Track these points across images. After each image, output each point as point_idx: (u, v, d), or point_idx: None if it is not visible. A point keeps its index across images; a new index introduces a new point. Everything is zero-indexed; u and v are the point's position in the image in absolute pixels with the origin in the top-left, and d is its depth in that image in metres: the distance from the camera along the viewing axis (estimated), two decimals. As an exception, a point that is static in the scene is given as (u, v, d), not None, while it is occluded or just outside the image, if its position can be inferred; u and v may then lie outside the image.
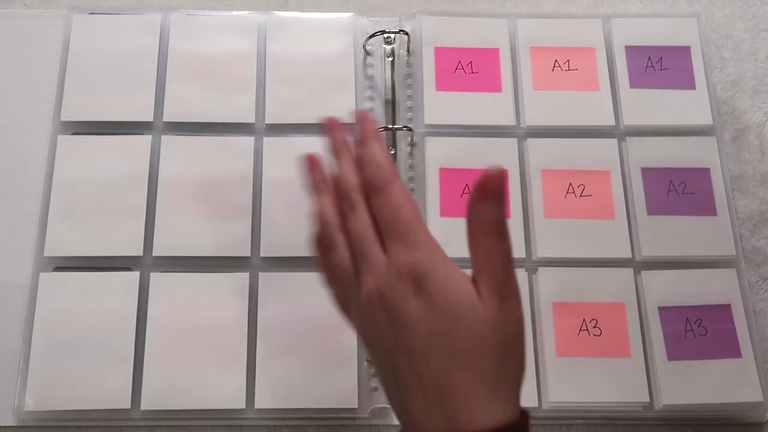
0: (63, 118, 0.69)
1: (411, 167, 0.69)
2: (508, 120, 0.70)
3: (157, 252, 0.65)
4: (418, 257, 0.42)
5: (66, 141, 0.68)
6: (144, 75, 0.70)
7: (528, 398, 0.62)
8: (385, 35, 0.73)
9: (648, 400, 0.62)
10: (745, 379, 0.62)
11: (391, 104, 0.72)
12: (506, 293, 0.41)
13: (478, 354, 0.40)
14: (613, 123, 0.71)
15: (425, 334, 0.41)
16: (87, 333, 0.62)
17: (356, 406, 0.61)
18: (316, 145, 0.68)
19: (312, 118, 0.69)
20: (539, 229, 0.67)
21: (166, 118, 0.69)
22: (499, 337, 0.40)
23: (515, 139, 0.70)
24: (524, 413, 0.41)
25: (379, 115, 0.71)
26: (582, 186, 0.68)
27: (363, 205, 0.46)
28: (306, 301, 0.64)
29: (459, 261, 0.65)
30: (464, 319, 0.40)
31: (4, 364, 0.62)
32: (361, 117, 0.49)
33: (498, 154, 0.69)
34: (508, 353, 0.40)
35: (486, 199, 0.40)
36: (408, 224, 0.43)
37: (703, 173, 0.69)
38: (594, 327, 0.64)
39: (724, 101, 0.74)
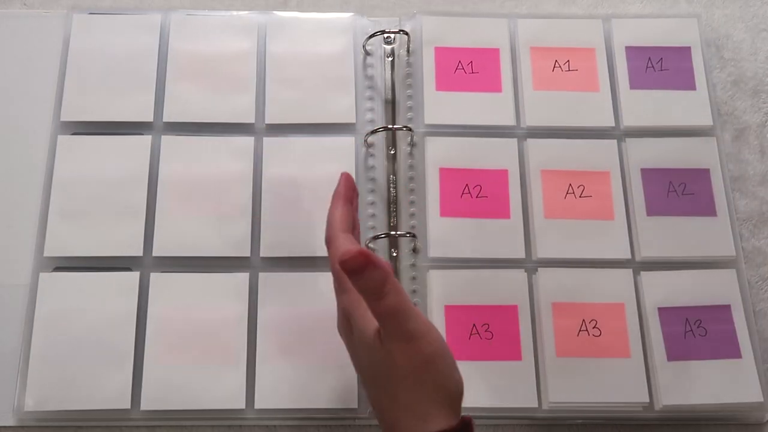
0: (63, 118, 0.69)
1: (411, 167, 0.69)
2: (508, 120, 0.70)
3: (157, 252, 0.65)
4: (346, 302, 0.51)
5: (66, 141, 0.68)
6: (144, 75, 0.70)
7: (527, 398, 0.62)
8: (385, 35, 0.73)
9: (648, 400, 0.62)
10: (745, 380, 0.62)
11: (391, 104, 0.72)
12: (406, 337, 0.47)
13: (388, 383, 0.48)
14: (613, 124, 0.71)
15: (364, 366, 0.51)
16: (87, 333, 0.62)
17: (356, 406, 0.62)
18: (316, 145, 0.69)
19: (312, 118, 0.70)
20: (539, 230, 0.67)
21: (166, 119, 0.69)
22: (403, 371, 0.47)
23: (515, 140, 0.70)
24: (465, 424, 0.48)
25: (379, 115, 0.71)
26: (582, 186, 0.68)
27: None
28: (306, 301, 0.64)
29: (460, 261, 0.66)
30: (372, 355, 0.49)
31: (4, 364, 0.62)
32: (341, 179, 0.58)
33: (498, 155, 0.69)
34: (416, 382, 0.47)
35: (352, 276, 0.46)
36: (339, 275, 0.51)
37: (703, 174, 0.69)
38: (594, 327, 0.64)
39: (724, 101, 0.74)
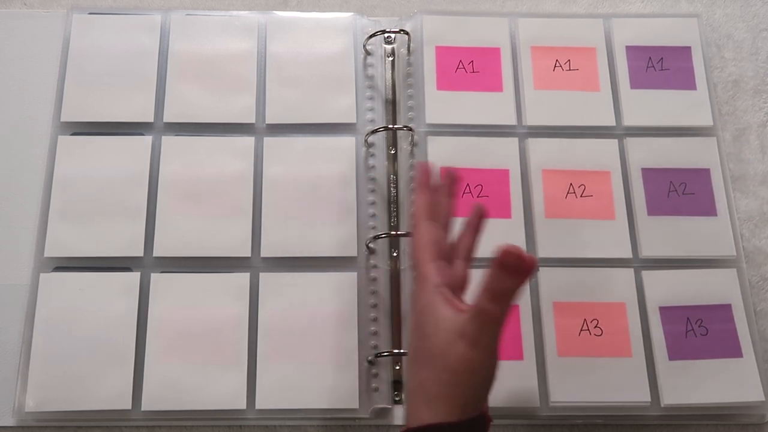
0: (63, 119, 0.68)
1: (412, 167, 0.69)
2: (509, 119, 0.70)
3: (157, 252, 0.65)
4: (416, 290, 0.51)
5: (66, 141, 0.68)
6: (144, 75, 0.70)
7: (530, 398, 0.62)
8: (386, 35, 0.73)
9: (649, 399, 0.62)
10: (746, 379, 0.63)
11: (392, 104, 0.71)
12: (480, 344, 0.47)
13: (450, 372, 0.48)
14: (613, 123, 0.71)
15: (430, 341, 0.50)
16: (87, 333, 0.62)
17: (357, 407, 0.61)
18: (316, 145, 0.69)
19: (312, 118, 0.70)
20: (540, 229, 0.67)
21: (166, 119, 0.69)
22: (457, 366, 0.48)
23: (516, 139, 0.70)
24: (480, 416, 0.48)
25: (379, 114, 0.71)
26: (583, 186, 0.68)
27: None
28: (306, 301, 0.64)
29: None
30: (447, 344, 0.48)
31: (4, 364, 0.62)
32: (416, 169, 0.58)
33: (499, 154, 0.69)
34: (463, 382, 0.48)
35: (504, 270, 0.45)
36: (415, 262, 0.53)
37: (703, 174, 0.69)
38: (595, 327, 0.64)
39: (725, 101, 0.74)
